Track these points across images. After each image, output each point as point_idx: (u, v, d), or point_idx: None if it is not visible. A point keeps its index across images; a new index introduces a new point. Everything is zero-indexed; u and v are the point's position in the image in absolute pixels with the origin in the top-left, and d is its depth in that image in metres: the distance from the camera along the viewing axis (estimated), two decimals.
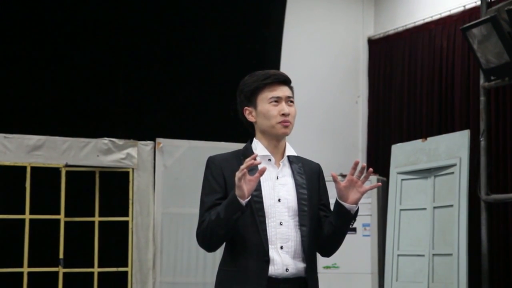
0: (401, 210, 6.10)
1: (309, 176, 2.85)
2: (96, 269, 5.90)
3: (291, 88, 2.85)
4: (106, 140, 5.94)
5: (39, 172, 5.75)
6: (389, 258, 6.08)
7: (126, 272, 5.95)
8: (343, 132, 7.43)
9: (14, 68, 5.90)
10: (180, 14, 6.50)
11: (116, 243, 6.00)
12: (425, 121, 6.81)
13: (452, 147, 5.73)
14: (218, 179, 2.78)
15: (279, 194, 2.77)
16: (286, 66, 7.01)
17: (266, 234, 2.71)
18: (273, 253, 2.72)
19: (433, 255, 5.70)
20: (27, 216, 5.70)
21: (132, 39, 6.34)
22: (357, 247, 6.44)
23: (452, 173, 5.66)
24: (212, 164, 2.82)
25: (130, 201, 6.01)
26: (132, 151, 6.02)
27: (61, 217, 5.80)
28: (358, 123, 7.54)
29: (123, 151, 5.99)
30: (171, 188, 6.09)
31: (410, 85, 7.06)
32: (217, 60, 6.62)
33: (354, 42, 7.59)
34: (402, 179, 6.13)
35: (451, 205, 5.61)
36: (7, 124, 5.76)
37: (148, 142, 6.10)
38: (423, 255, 5.78)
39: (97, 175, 5.97)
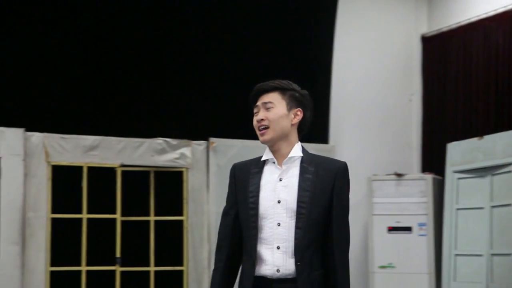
0: (457, 209, 6.01)
1: (321, 177, 2.83)
2: (152, 268, 5.95)
3: (281, 92, 2.89)
4: (160, 140, 6.00)
5: (95, 172, 5.83)
6: (446, 258, 6.00)
7: (182, 271, 6.00)
8: (397, 130, 7.35)
9: (70, 70, 5.99)
10: (233, 13, 6.52)
11: (171, 242, 6.05)
12: (481, 119, 6.68)
13: (510, 145, 5.62)
14: (231, 186, 2.95)
15: (279, 195, 2.82)
16: (338, 66, 6.98)
17: (256, 239, 2.79)
18: (267, 254, 2.79)
19: (492, 255, 5.60)
20: (85, 216, 5.79)
21: (183, 39, 6.37)
22: (413, 247, 6.37)
23: (510, 171, 5.55)
24: (231, 171, 2.99)
25: (185, 200, 6.05)
26: (186, 150, 6.06)
27: (118, 216, 5.88)
28: (412, 121, 7.44)
29: (177, 151, 6.04)
30: (225, 187, 6.06)
31: (465, 82, 6.94)
32: (269, 60, 6.62)
33: (407, 40, 7.51)
34: (458, 178, 6.05)
35: (509, 204, 5.50)
36: (64, 125, 5.86)
37: (202, 141, 6.13)
38: (481, 255, 5.68)
39: (151, 175, 6.02)
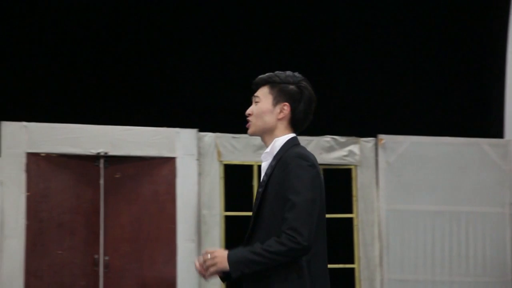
0: None
1: (275, 172, 2.66)
2: None
3: (270, 86, 2.77)
4: (328, 138, 6.00)
5: None
6: None
7: (353, 269, 5.96)
8: None
9: (239, 72, 6.14)
10: (401, 11, 6.43)
11: (342, 240, 6.04)
12: None
13: None
14: None
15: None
16: None
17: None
18: None
19: None
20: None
21: (349, 39, 6.35)
22: None
23: None
24: None
25: (354, 198, 6.02)
26: (354, 148, 6.02)
27: None
28: None
29: (345, 148, 6.01)
30: (395, 185, 6.02)
31: None
32: (436, 54, 6.46)
33: None
34: None
35: None
36: (235, 125, 6.00)
37: (370, 138, 6.07)
38: None
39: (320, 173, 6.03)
